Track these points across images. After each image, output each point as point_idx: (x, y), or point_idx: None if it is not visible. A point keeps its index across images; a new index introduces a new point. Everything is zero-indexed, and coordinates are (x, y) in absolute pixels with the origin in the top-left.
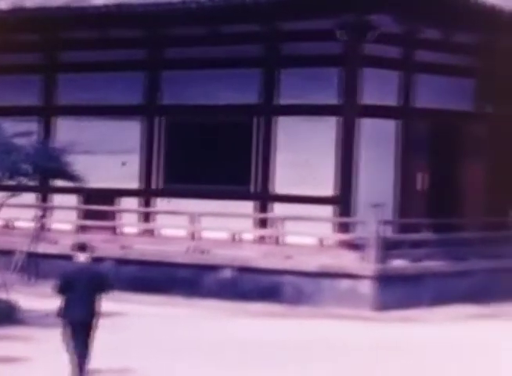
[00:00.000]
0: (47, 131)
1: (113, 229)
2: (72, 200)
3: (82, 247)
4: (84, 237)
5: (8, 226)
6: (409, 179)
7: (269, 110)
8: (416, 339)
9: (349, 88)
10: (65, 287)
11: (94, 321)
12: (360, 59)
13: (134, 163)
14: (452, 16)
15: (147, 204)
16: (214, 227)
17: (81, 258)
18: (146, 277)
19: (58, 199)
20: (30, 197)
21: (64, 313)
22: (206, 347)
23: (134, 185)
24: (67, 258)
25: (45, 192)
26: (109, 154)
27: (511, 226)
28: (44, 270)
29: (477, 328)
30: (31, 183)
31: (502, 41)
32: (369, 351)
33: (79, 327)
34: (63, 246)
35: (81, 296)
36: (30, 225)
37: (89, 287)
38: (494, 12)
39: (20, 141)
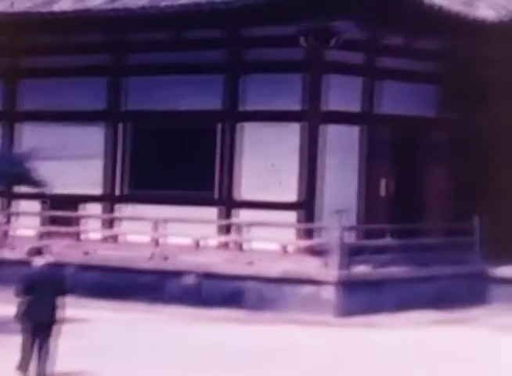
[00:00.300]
0: (10, 136)
1: (77, 235)
2: (36, 206)
3: (39, 252)
4: (46, 243)
5: None
6: (373, 185)
7: (233, 116)
8: (378, 345)
9: (313, 95)
10: (26, 290)
11: (55, 324)
12: (323, 66)
13: (98, 169)
14: (416, 23)
15: (111, 209)
16: (178, 233)
17: (40, 262)
18: (109, 283)
19: (22, 205)
20: None
21: (25, 316)
22: (167, 352)
23: (98, 191)
24: (27, 263)
25: (8, 198)
26: (73, 160)
27: (474, 232)
28: (4, 276)
29: (439, 334)
30: None
31: (465, 47)
32: (332, 356)
33: (40, 329)
34: (24, 252)
35: (42, 299)
36: None
37: (49, 290)
38: (458, 19)
39: None
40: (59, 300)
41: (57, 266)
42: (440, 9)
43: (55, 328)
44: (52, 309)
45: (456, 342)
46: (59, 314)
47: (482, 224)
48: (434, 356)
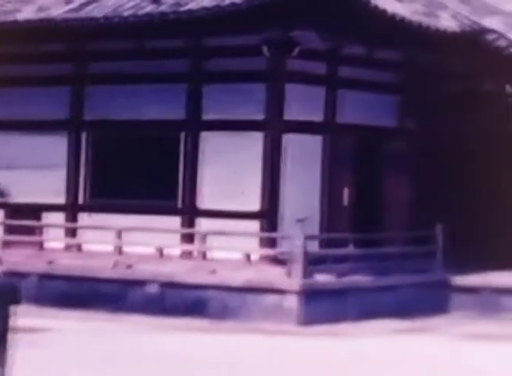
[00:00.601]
0: None
1: (40, 244)
2: None
3: None
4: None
5: None
6: (335, 194)
7: (196, 125)
8: (340, 353)
9: (275, 104)
10: None
11: (7, 334)
12: (286, 75)
13: (60, 178)
14: (377, 33)
15: (74, 218)
16: (141, 242)
17: None
18: (71, 292)
19: None
20: None
21: None
22: (129, 361)
23: (60, 200)
24: None
25: None
26: (36, 169)
27: (435, 241)
28: None
29: (401, 342)
30: None
31: (426, 57)
32: (293, 365)
33: None
34: None
35: None
36: None
37: (1, 299)
38: (419, 29)
39: None
40: (12, 309)
41: (19, 276)
42: (401, 19)
43: (8, 338)
44: (4, 318)
45: (417, 351)
46: (11, 323)
47: (443, 233)
48: (395, 364)
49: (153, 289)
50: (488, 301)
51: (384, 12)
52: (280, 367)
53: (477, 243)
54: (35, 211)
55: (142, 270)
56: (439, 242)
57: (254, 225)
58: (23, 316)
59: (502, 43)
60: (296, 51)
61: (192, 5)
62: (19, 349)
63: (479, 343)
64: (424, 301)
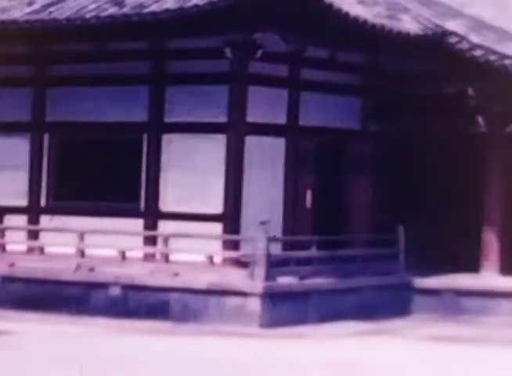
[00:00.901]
0: None
1: (2, 247)
2: None
3: None
4: None
5: None
6: (297, 197)
7: (159, 127)
8: (302, 356)
9: (238, 106)
10: None
11: None
12: (249, 78)
13: (23, 180)
14: (340, 35)
15: (36, 221)
16: (104, 245)
17: None
18: (34, 295)
19: None
20: None
21: None
22: (90, 364)
23: (23, 202)
24: None
25: None
26: None
27: (397, 243)
28: None
29: (363, 344)
30: None
31: (389, 60)
32: (254, 367)
33: None
34: None
35: None
36: None
37: None
38: (382, 32)
39: None
40: None
41: None
42: (364, 22)
43: None
44: None
45: (379, 353)
46: None
47: (405, 235)
48: (357, 366)
49: (115, 291)
50: (449, 304)
51: (346, 14)
52: (241, 369)
53: (438, 245)
54: None
55: (105, 273)
56: (401, 244)
57: (216, 228)
58: None
59: (464, 46)
60: (259, 53)
61: (155, 7)
62: None
63: (441, 345)
64: (386, 303)
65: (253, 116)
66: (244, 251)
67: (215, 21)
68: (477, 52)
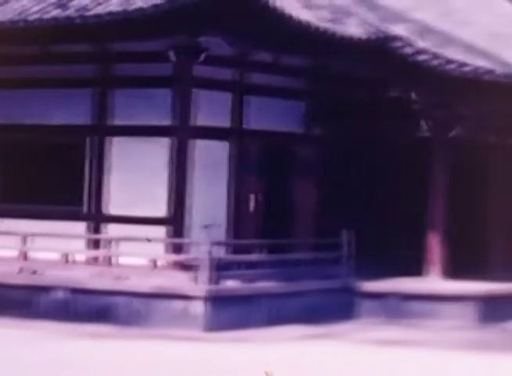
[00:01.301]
0: None
1: None
2: None
3: None
4: None
5: None
6: (242, 200)
7: (102, 130)
8: (245, 359)
9: (182, 110)
10: None
11: None
12: (192, 81)
13: None
14: (284, 39)
15: None
16: (47, 248)
17: None
18: None
19: None
20: None
21: None
22: (32, 368)
23: None
24: None
25: None
26: None
27: (342, 247)
28: None
29: (307, 348)
30: None
31: (333, 64)
32: (198, 371)
33: None
34: None
35: None
36: None
37: None
38: (325, 36)
39: None
40: None
41: None
42: (308, 26)
43: None
44: None
45: (322, 357)
46: None
47: (350, 239)
48: (300, 369)
49: (59, 295)
50: (394, 307)
51: (290, 18)
52: (182, 373)
53: (383, 249)
54: None
55: (48, 276)
56: (346, 248)
57: (161, 231)
58: None
59: (408, 50)
60: (203, 57)
61: (98, 10)
62: None
63: (384, 348)
64: (332, 307)
65: (197, 119)
66: (188, 254)
67: (159, 24)
68: (421, 57)
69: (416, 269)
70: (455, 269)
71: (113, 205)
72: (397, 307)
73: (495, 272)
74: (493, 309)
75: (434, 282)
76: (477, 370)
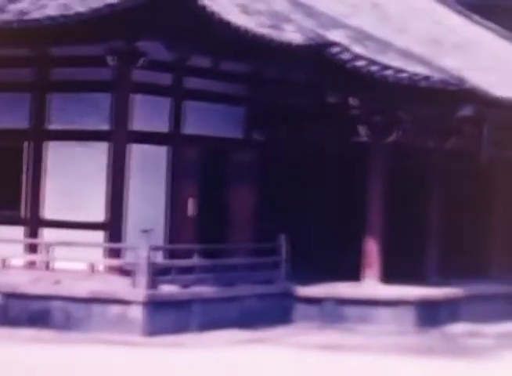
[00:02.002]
0: None
1: None
2: None
3: None
4: None
5: None
6: (180, 205)
7: (40, 135)
8: (182, 364)
9: (120, 114)
10: None
11: None
12: (131, 86)
13: None
14: (223, 45)
15: None
16: None
17: None
18: None
19: None
20: None
21: None
22: None
23: None
24: None
25: None
26: None
27: (279, 251)
28: None
29: (243, 353)
30: None
31: (272, 70)
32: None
33: None
34: None
35: None
36: None
37: None
38: (264, 42)
39: None
40: None
41: None
42: (247, 31)
43: None
44: None
45: (259, 361)
46: None
47: (287, 244)
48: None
49: None
50: (331, 312)
51: (229, 24)
52: None
53: (321, 253)
54: None
55: None
56: (283, 253)
57: (99, 236)
58: None
59: (345, 56)
60: (141, 61)
61: (37, 14)
62: None
63: (321, 353)
64: (269, 311)
65: (136, 124)
66: (127, 259)
67: (97, 29)
68: (359, 63)
69: (353, 273)
70: (392, 274)
71: (51, 210)
72: (333, 312)
73: (431, 276)
74: (430, 314)
75: (370, 287)
76: (413, 375)
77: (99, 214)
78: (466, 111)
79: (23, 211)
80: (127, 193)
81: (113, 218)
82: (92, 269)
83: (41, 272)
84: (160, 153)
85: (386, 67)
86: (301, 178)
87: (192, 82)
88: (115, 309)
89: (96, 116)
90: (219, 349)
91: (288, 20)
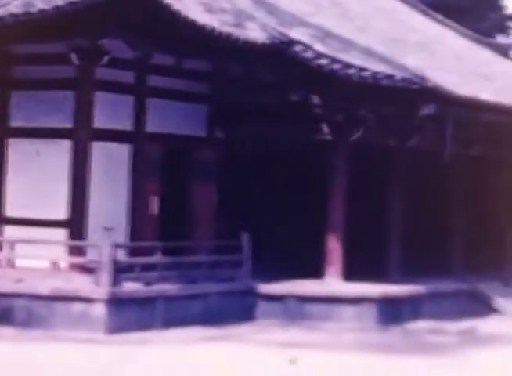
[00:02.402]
0: None
1: None
2: None
3: None
4: None
5: None
6: (143, 203)
7: (3, 132)
8: (145, 361)
9: (83, 112)
10: None
11: None
12: (93, 83)
13: None
14: (186, 43)
15: None
16: None
17: None
18: None
19: None
20: None
21: None
22: None
23: None
24: None
25: None
26: None
27: (242, 249)
28: None
29: (206, 350)
30: None
31: (235, 68)
32: (97, 373)
33: None
34: None
35: None
36: None
37: None
38: (228, 40)
39: None
40: None
41: None
42: (211, 30)
43: None
44: None
45: (220, 358)
46: None
47: (251, 241)
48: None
49: None
50: (293, 309)
51: (193, 22)
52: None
53: (284, 251)
54: None
55: None
56: (246, 251)
57: (61, 234)
58: None
59: (309, 55)
60: (105, 59)
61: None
62: None
63: (283, 351)
64: (232, 309)
65: (99, 122)
66: (90, 257)
67: (60, 26)
68: (322, 61)
69: (316, 271)
70: (354, 272)
71: (14, 207)
72: (296, 309)
73: (393, 274)
74: (392, 311)
75: (332, 284)
76: (375, 372)
77: (61, 211)
78: (429, 110)
79: None
80: (89, 190)
81: (75, 215)
82: (55, 266)
83: (3, 269)
84: (123, 151)
85: (349, 66)
86: (265, 176)
87: (155, 80)
88: (78, 307)
89: (59, 114)
90: (182, 347)
91: (251, 18)
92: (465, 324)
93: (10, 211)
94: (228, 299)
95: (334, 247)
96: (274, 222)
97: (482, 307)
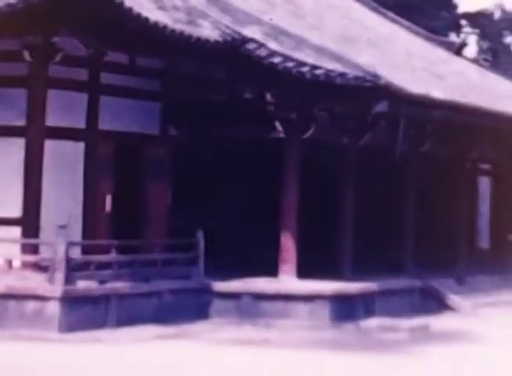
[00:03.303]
0: None
1: None
2: None
3: None
4: None
5: None
6: (97, 201)
7: None
8: (99, 360)
9: (36, 110)
10: None
11: None
12: (46, 81)
13: None
14: (139, 41)
15: None
16: None
17: None
18: None
19: None
20: None
21: None
22: None
23: None
24: None
25: None
26: None
27: (196, 247)
28: None
29: (160, 348)
30: None
31: (188, 66)
32: (52, 373)
33: None
34: None
35: None
36: None
37: None
38: (181, 38)
39: None
40: None
41: None
42: (164, 27)
43: None
44: None
45: (172, 356)
46: None
47: (206, 239)
48: (149, 370)
49: None
50: (247, 307)
51: (146, 20)
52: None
53: (239, 249)
54: None
55: None
56: (200, 248)
57: (15, 232)
58: None
59: (262, 52)
60: (58, 57)
61: None
62: None
63: (236, 349)
64: (186, 307)
65: (52, 120)
66: (43, 255)
67: (13, 23)
68: (275, 59)
69: (271, 268)
70: (308, 270)
71: None
72: (250, 307)
73: (346, 272)
74: (345, 309)
75: (286, 282)
76: (325, 369)
77: (15, 209)
78: (382, 107)
79: None
80: (43, 188)
81: (29, 213)
82: (9, 264)
83: None
84: (77, 148)
85: (302, 64)
86: (219, 174)
87: (108, 78)
88: (32, 305)
89: (12, 111)
90: (136, 345)
91: (204, 16)
92: (418, 321)
93: None
94: (182, 297)
95: (288, 246)
96: (229, 220)
97: (435, 304)
